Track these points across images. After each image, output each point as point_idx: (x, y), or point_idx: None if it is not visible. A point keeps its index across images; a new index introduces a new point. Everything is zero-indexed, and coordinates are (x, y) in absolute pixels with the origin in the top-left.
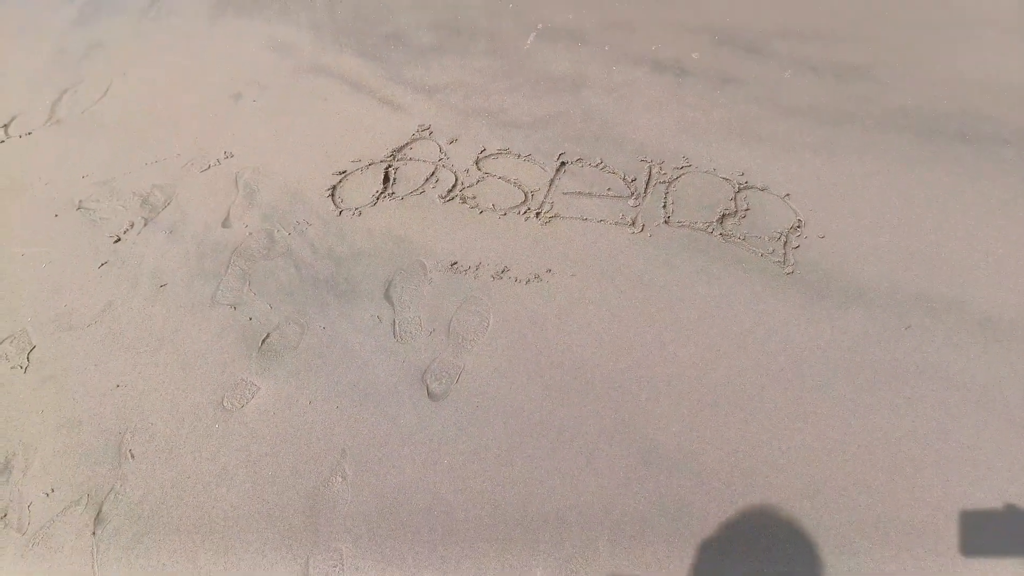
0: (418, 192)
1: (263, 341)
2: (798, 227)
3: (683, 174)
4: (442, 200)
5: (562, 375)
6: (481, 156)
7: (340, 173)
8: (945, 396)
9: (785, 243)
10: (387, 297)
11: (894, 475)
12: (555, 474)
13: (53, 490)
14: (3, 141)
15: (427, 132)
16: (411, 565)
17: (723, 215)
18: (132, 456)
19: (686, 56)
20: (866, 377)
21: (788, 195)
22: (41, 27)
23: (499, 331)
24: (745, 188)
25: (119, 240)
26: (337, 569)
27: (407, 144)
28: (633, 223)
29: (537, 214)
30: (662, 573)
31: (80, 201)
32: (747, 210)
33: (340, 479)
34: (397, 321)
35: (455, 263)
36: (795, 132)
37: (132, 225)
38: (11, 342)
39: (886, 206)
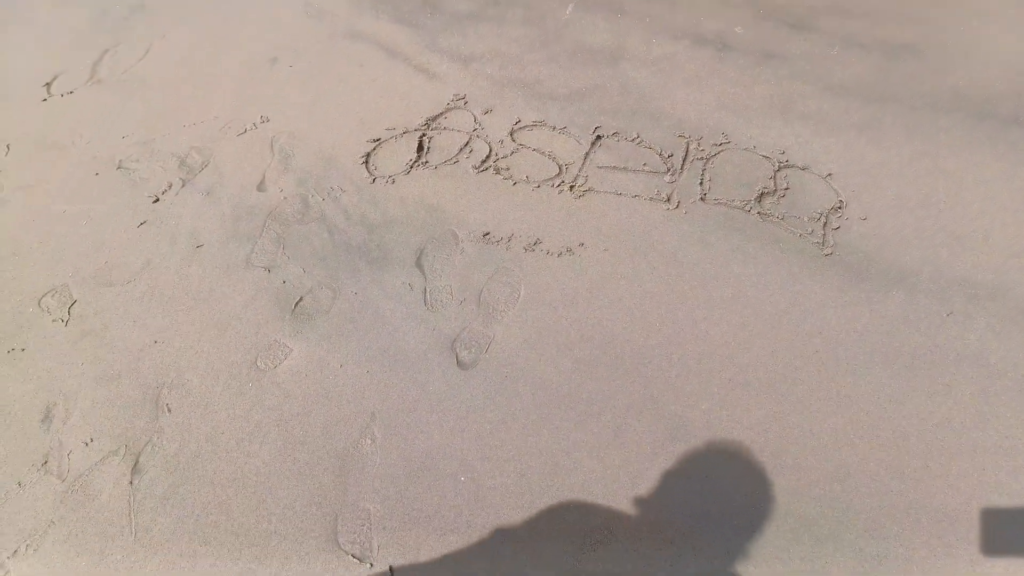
0: (452, 162)
1: (296, 304)
2: (839, 208)
3: (721, 151)
4: (476, 170)
5: (591, 349)
6: (516, 127)
7: (374, 140)
8: (985, 384)
9: (825, 224)
10: (419, 265)
11: (928, 462)
12: (582, 446)
13: (92, 440)
14: (46, 99)
15: (462, 101)
16: (437, 528)
17: (761, 193)
18: (169, 410)
19: (729, 30)
20: (904, 362)
21: (830, 175)
22: None
23: (530, 303)
24: (785, 167)
25: (157, 200)
26: (365, 528)
27: (442, 113)
28: (668, 199)
29: (571, 187)
30: (687, 548)
31: (120, 161)
32: (787, 189)
33: (369, 441)
34: (428, 289)
35: (487, 234)
36: (840, 111)
37: (170, 186)
38: (52, 296)
39: (932, 189)
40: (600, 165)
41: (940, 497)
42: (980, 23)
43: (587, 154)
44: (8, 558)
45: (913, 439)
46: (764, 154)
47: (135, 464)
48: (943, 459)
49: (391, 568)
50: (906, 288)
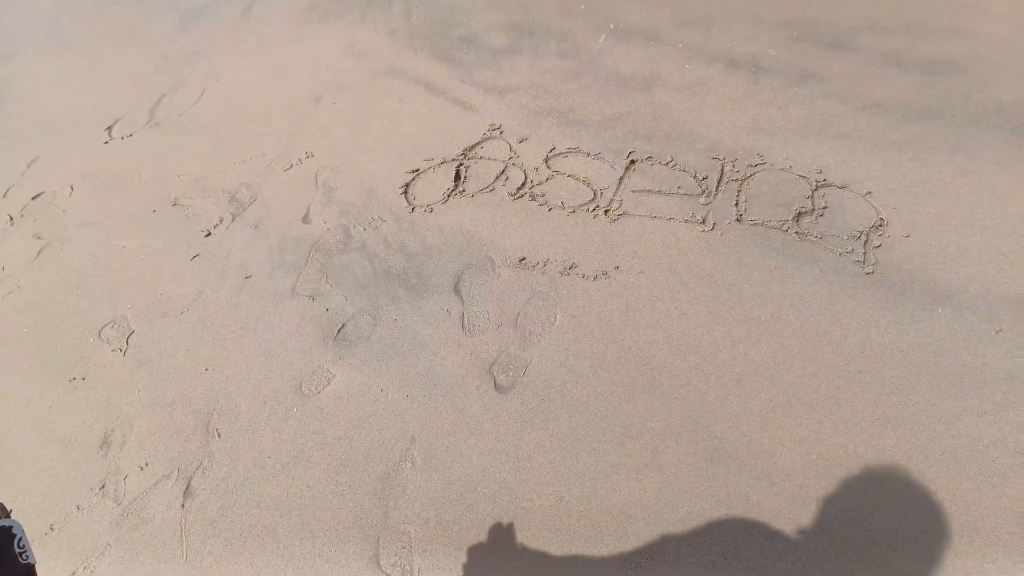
0: (488, 190)
1: (339, 331)
2: (880, 226)
3: (757, 172)
4: (511, 197)
5: (628, 371)
6: (551, 154)
7: (413, 171)
8: None
9: (866, 242)
10: (456, 291)
11: (980, 483)
12: (620, 468)
13: (147, 464)
14: (107, 142)
15: (498, 131)
16: (476, 550)
17: (799, 213)
18: (219, 435)
19: (763, 52)
20: (952, 381)
21: (870, 193)
22: (145, 35)
23: (566, 326)
24: (823, 186)
25: (209, 234)
26: (406, 550)
27: (478, 143)
28: (703, 221)
29: (606, 212)
30: (729, 572)
31: (175, 198)
32: (825, 208)
33: (409, 465)
34: (466, 315)
35: (523, 259)
36: (879, 129)
37: (221, 220)
38: (112, 327)
39: (977, 206)
40: (635, 189)
41: (993, 519)
42: (1023, 36)
43: (621, 179)
44: None
45: (964, 460)
46: (800, 173)
47: (187, 488)
48: (995, 480)
49: None
50: (952, 306)
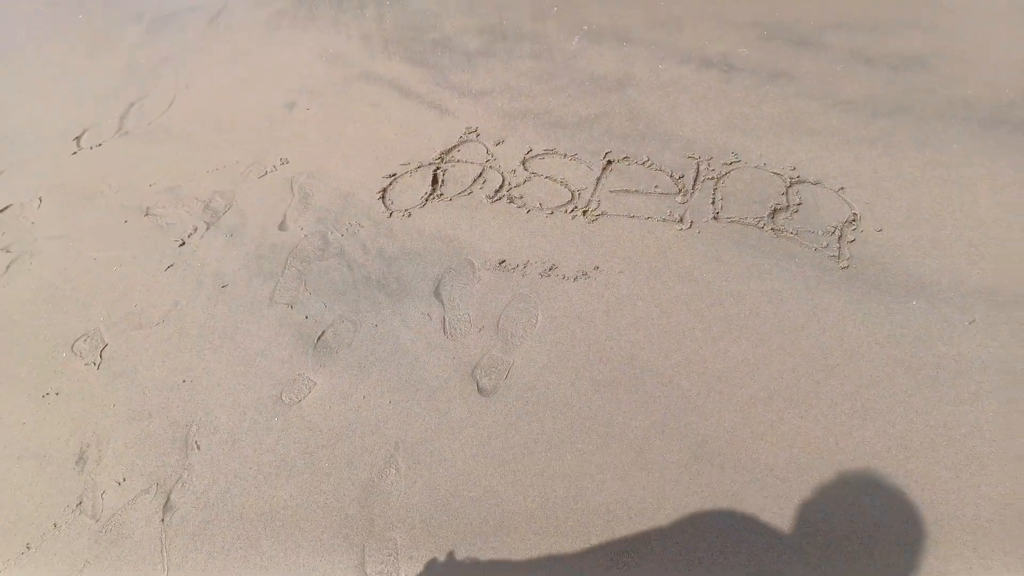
0: (466, 193)
1: (318, 338)
2: (853, 221)
3: (732, 170)
4: (489, 200)
5: (611, 371)
6: (527, 156)
7: (390, 176)
8: (1012, 392)
9: (840, 237)
10: (437, 295)
11: (958, 472)
12: (605, 468)
13: (124, 479)
14: (75, 153)
15: (474, 134)
16: (464, 554)
17: (774, 210)
18: (198, 447)
19: (734, 52)
20: (928, 372)
21: (843, 188)
22: (112, 44)
23: (547, 328)
24: (797, 182)
25: (184, 244)
26: (392, 558)
27: (455, 146)
28: (681, 220)
29: (584, 212)
30: (716, 568)
31: (147, 207)
32: (799, 204)
33: (394, 471)
34: (447, 318)
35: (503, 261)
36: (849, 125)
37: (196, 229)
38: (85, 340)
39: (947, 198)
40: (612, 189)
41: (973, 507)
42: (988, 30)
43: (598, 179)
44: None
45: (942, 450)
46: (775, 171)
47: (166, 502)
48: (974, 469)
49: None
50: (926, 298)
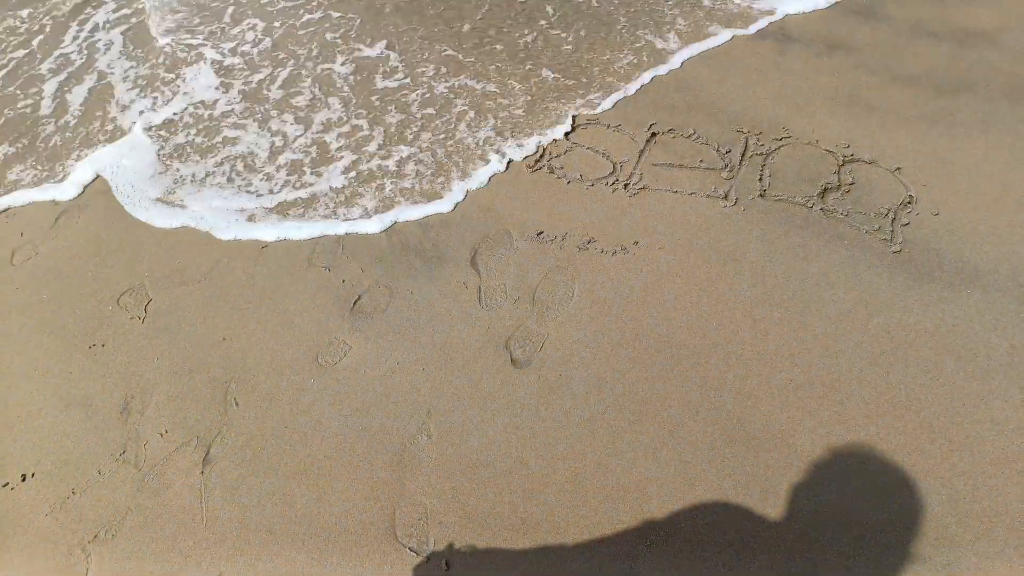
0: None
1: (355, 303)
2: (909, 203)
3: (782, 146)
4: (530, 170)
5: (647, 348)
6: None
7: None
8: None
9: (893, 220)
10: (473, 264)
11: (1004, 468)
12: (636, 446)
13: (167, 431)
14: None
15: None
16: (492, 524)
17: (825, 189)
18: (237, 404)
19: (790, 21)
20: (979, 364)
21: (899, 169)
22: None
23: (584, 302)
24: (850, 161)
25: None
26: (422, 522)
27: None
28: (726, 196)
29: (625, 185)
30: (746, 551)
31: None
32: (852, 184)
33: (425, 438)
34: (483, 288)
35: (541, 232)
36: (909, 102)
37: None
38: (130, 295)
39: (1010, 183)
40: (655, 163)
41: (1017, 505)
42: None
43: (641, 151)
44: (89, 543)
45: (988, 444)
46: (827, 148)
47: (206, 455)
48: (1020, 465)
49: (446, 563)
50: (982, 286)
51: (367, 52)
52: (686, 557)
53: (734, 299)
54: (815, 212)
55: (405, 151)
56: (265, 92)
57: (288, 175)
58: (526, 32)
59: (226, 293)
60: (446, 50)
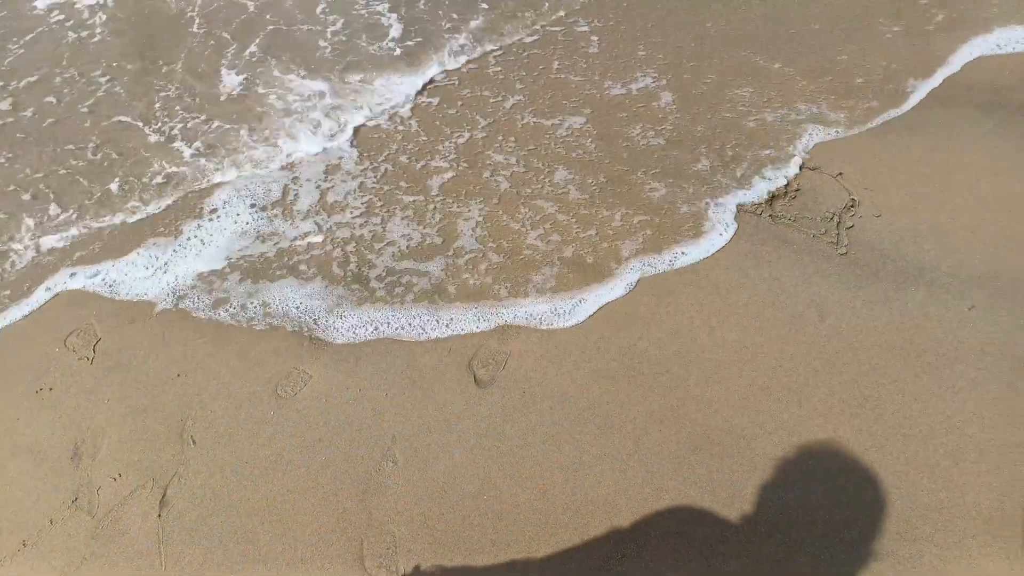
0: None
1: (312, 331)
2: (852, 207)
3: None
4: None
5: (608, 360)
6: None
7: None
8: (1011, 379)
9: (838, 223)
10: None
11: (957, 459)
12: (603, 459)
13: (120, 475)
14: None
15: None
16: (462, 547)
17: (772, 196)
18: (194, 442)
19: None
20: (927, 359)
21: (841, 174)
22: None
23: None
24: None
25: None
26: (391, 551)
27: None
28: None
29: None
30: (715, 557)
31: None
32: (797, 191)
33: (391, 464)
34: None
35: None
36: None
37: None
38: (77, 335)
39: (947, 183)
40: None
41: (972, 495)
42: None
43: None
44: None
45: (941, 437)
46: None
47: (163, 497)
48: (973, 456)
49: None
50: (925, 284)
51: None
52: (657, 567)
53: (691, 307)
54: (764, 219)
55: None
56: None
57: None
58: None
59: (179, 327)
60: None
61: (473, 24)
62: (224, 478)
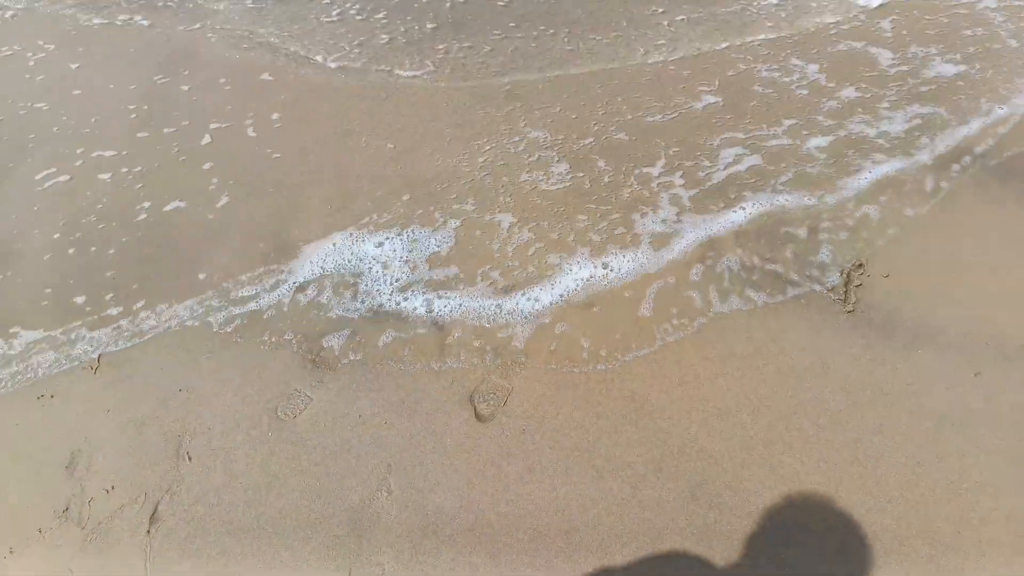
0: None
1: (317, 354)
2: (860, 265)
3: None
4: None
5: (610, 403)
6: None
7: None
8: (1019, 447)
9: (847, 281)
10: (434, 322)
11: (960, 528)
12: (600, 503)
13: (113, 487)
14: None
15: None
16: None
17: None
18: (189, 458)
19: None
20: (932, 423)
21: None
22: None
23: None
24: None
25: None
26: None
27: None
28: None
29: None
30: None
31: None
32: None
33: (385, 494)
34: (447, 341)
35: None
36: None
37: None
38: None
39: (957, 246)
40: None
41: (973, 564)
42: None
43: None
44: None
45: (944, 503)
46: None
47: (153, 513)
48: (976, 525)
49: None
50: (933, 346)
51: None
52: None
53: (696, 356)
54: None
55: None
56: None
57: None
58: None
59: (183, 343)
60: None
61: None
62: (217, 497)
